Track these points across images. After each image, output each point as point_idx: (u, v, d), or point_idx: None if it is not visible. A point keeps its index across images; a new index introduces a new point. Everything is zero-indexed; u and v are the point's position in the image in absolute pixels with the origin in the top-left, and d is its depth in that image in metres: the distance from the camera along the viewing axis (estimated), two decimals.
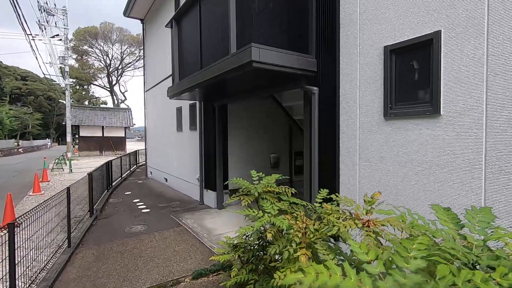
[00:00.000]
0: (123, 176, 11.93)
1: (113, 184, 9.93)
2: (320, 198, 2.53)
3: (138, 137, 75.57)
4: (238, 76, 3.90)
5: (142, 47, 40.66)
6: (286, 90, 4.35)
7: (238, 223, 5.57)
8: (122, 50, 40.49)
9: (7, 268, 2.90)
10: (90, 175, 6.17)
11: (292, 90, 4.24)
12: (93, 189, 6.42)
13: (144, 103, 12.64)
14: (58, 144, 50.28)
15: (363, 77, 3.26)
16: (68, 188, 4.41)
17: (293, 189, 2.94)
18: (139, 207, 7.20)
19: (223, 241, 3.25)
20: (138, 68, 42.02)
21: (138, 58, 40.95)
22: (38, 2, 22.76)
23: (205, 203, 7.24)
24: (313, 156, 3.84)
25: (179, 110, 8.88)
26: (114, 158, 11.01)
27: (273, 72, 3.70)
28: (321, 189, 2.65)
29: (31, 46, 39.34)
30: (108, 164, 9.15)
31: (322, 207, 2.38)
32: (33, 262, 3.51)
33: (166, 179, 10.17)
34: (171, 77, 9.18)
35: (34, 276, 3.44)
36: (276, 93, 4.58)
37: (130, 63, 42.18)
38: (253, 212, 2.60)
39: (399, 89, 2.92)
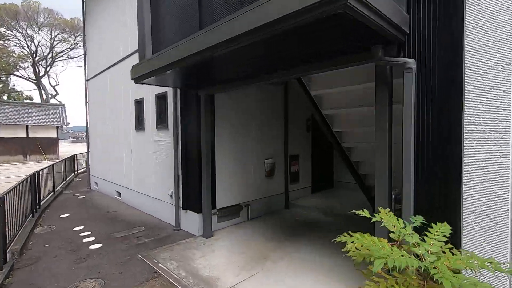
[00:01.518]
0: (56, 189, 9.11)
1: (42, 203, 7.26)
2: None
3: (73, 137, 67.08)
4: (268, 40, 2.28)
5: (77, 34, 35.35)
6: (343, 66, 2.82)
7: (246, 260, 3.88)
8: (52, 36, 34.48)
9: None
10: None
11: (357, 65, 2.74)
12: (5, 221, 4.07)
13: (86, 95, 9.94)
14: None
15: None
16: None
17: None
18: (85, 240, 4.98)
19: None
20: (74, 58, 36.26)
21: (73, 47, 35.29)
22: None
23: (183, 229, 5.33)
24: (406, 174, 2.37)
25: (139, 103, 6.72)
26: (43, 167, 8.21)
27: (349, 27, 2.16)
28: None
29: None
30: (34, 177, 6.54)
31: None
32: None
33: (120, 193, 7.83)
34: (127, 60, 6.99)
35: None
36: (313, 72, 3.03)
37: (62, 51, 36.20)
38: None
39: None
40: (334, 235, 4.76)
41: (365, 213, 1.78)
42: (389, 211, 1.79)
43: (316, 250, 4.18)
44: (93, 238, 5.03)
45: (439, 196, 2.30)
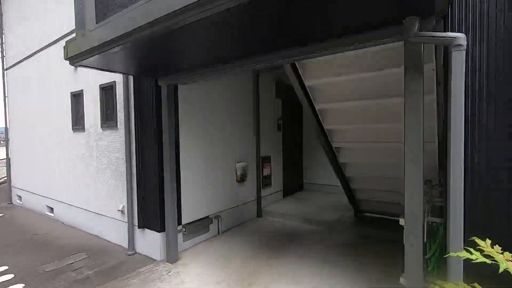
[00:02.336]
0: None
1: None
2: None
3: None
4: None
5: None
6: (361, 45, 2.22)
7: None
8: None
9: None
10: None
11: (379, 44, 2.17)
12: None
13: (4, 88, 7.99)
14: None
15: None
16: None
17: None
18: None
19: None
20: None
21: None
22: None
23: (139, 252, 4.28)
24: (455, 181, 1.85)
25: (77, 97, 5.41)
26: None
27: None
28: None
29: None
30: None
31: None
32: None
33: (52, 209, 6.32)
34: (61, 42, 5.62)
35: None
36: (319, 54, 2.41)
37: None
38: None
39: None
40: (323, 247, 4.24)
41: (478, 257, 1.13)
42: (497, 247, 1.18)
43: (310, 268, 3.56)
44: (10, 276, 3.71)
45: (498, 210, 1.82)
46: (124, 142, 4.34)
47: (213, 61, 3.19)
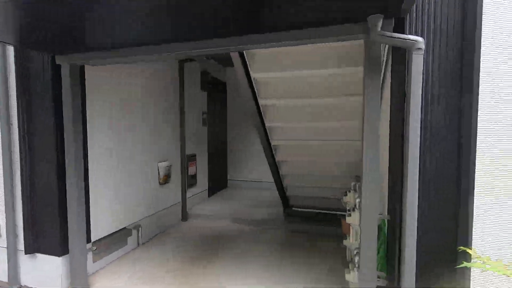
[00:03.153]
0: None
1: None
2: None
3: None
4: None
5: None
6: (316, 40, 2.08)
7: None
8: None
9: None
10: None
11: (334, 40, 2.06)
12: None
13: None
14: None
15: None
16: None
17: None
18: None
19: None
20: None
21: None
22: None
23: (26, 285, 3.22)
24: (410, 189, 1.90)
25: None
26: None
27: None
28: None
29: None
30: None
31: None
32: None
33: None
34: None
35: None
36: (265, 45, 2.18)
37: None
38: None
39: None
40: (260, 247, 4.08)
41: (500, 271, 1.08)
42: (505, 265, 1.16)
43: (257, 274, 3.33)
44: None
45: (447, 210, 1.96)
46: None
47: (131, 42, 2.57)
